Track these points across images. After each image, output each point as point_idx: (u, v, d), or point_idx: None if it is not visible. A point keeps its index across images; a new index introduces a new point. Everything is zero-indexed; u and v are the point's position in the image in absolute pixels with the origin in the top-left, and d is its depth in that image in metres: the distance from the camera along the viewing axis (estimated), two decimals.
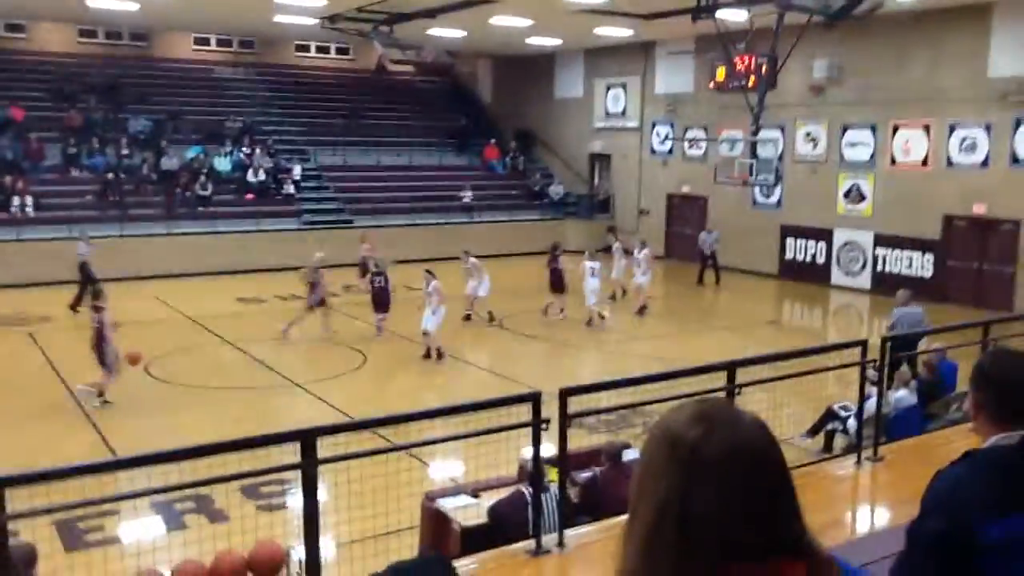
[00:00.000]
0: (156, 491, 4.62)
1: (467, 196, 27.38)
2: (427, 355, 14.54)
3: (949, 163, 19.99)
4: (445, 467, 9.49)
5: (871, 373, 7.69)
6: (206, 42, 30.74)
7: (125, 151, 24.84)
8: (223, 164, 25.79)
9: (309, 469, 4.68)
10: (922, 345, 11.45)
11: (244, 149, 26.49)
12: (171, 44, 30.20)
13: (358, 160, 28.40)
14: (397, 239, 23.36)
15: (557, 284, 17.98)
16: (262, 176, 25.69)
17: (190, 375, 13.71)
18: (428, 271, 15.09)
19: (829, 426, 10.00)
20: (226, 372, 14.11)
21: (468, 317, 17.41)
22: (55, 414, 11.50)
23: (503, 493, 6.43)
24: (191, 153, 25.60)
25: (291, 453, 4.68)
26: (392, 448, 5.74)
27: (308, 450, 4.66)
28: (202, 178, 24.43)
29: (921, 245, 20.63)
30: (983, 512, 2.13)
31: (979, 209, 19.46)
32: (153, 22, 26.77)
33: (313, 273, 16.19)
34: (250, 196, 25.11)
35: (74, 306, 17.85)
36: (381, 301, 16.15)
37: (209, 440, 4.69)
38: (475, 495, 6.74)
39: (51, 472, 4.23)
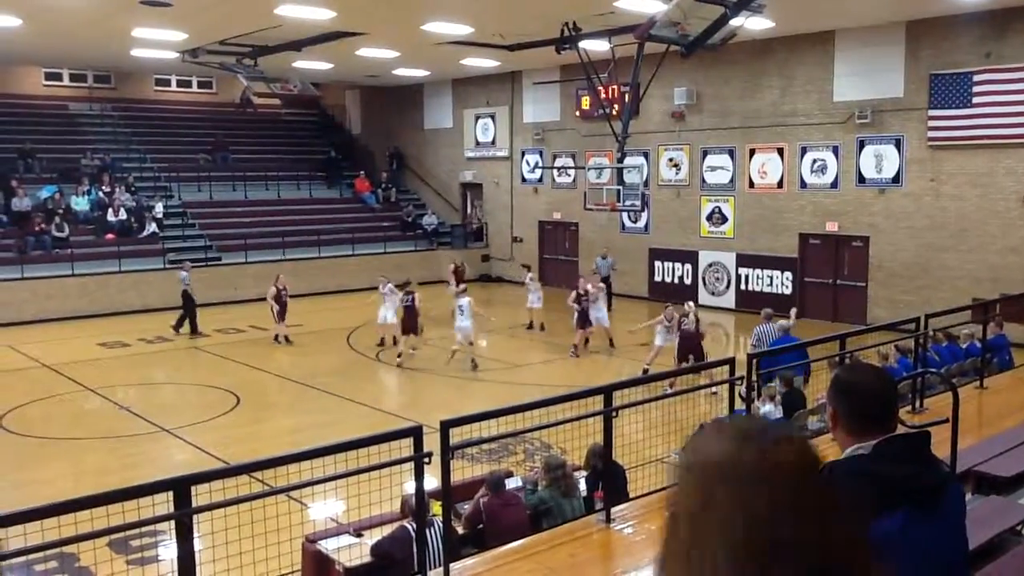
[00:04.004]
0: (14, 554, 4.29)
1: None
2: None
3: (803, 184, 21.02)
4: (326, 508, 9.27)
5: (741, 390, 7.97)
6: (58, 77, 29.47)
7: None
8: (81, 204, 24.68)
9: (184, 519, 4.51)
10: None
11: (103, 188, 25.46)
12: (19, 79, 28.79)
13: (224, 196, 27.69)
14: (268, 275, 22.84)
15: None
16: (123, 215, 24.72)
17: (48, 427, 12.99)
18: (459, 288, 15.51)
19: None
20: (88, 422, 13.43)
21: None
22: None
23: (386, 530, 6.35)
24: (45, 193, 24.40)
25: (163, 503, 4.50)
26: (269, 492, 5.59)
27: (182, 499, 4.49)
28: (58, 219, 23.31)
29: (780, 263, 21.58)
30: None
31: (832, 227, 20.52)
32: None
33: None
34: (110, 236, 24.11)
35: (177, 327, 19.49)
36: None
37: (69, 495, 4.44)
38: (358, 534, 6.63)
39: None
